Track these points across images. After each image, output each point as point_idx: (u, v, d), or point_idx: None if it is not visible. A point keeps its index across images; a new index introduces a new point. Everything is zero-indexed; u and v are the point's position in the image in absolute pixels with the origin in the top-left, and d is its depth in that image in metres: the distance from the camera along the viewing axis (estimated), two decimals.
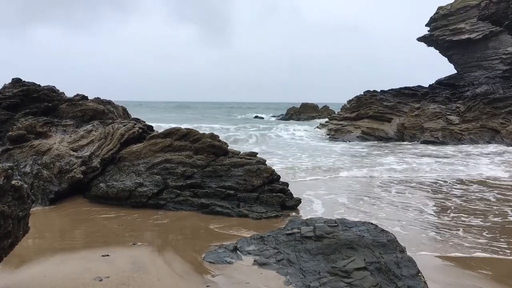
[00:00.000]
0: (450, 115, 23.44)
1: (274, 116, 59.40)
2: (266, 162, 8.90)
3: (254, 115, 65.02)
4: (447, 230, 6.93)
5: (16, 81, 10.78)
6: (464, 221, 7.53)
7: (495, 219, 7.66)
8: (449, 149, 19.62)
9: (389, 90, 28.72)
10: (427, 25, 31.82)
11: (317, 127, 32.11)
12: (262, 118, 58.36)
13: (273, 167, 9.11)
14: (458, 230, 6.96)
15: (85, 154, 8.93)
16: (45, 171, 8.48)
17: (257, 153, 9.22)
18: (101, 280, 4.37)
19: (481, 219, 7.61)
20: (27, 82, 10.87)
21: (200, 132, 9.32)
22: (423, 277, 4.22)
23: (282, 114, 58.82)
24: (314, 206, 8.50)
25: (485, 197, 9.53)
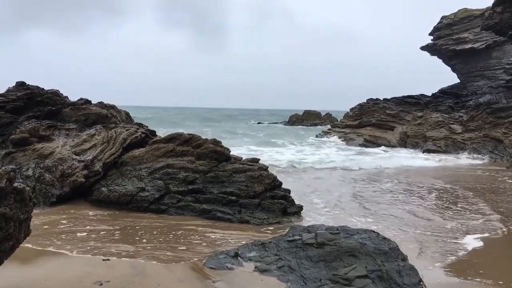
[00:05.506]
0: (453, 124, 23.41)
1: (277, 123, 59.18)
2: None
3: (257, 121, 65.42)
4: None
5: (20, 85, 10.82)
6: None
7: None
8: None
9: (392, 98, 28.74)
10: (430, 34, 31.91)
11: (320, 134, 32.10)
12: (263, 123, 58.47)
13: None
14: None
15: (88, 158, 8.94)
16: (47, 175, 8.49)
17: (259, 159, 9.20)
18: (101, 284, 4.35)
19: None
20: (31, 85, 10.91)
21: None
22: (424, 285, 4.19)
23: (285, 121, 59.04)
24: (316, 213, 8.47)
25: None
